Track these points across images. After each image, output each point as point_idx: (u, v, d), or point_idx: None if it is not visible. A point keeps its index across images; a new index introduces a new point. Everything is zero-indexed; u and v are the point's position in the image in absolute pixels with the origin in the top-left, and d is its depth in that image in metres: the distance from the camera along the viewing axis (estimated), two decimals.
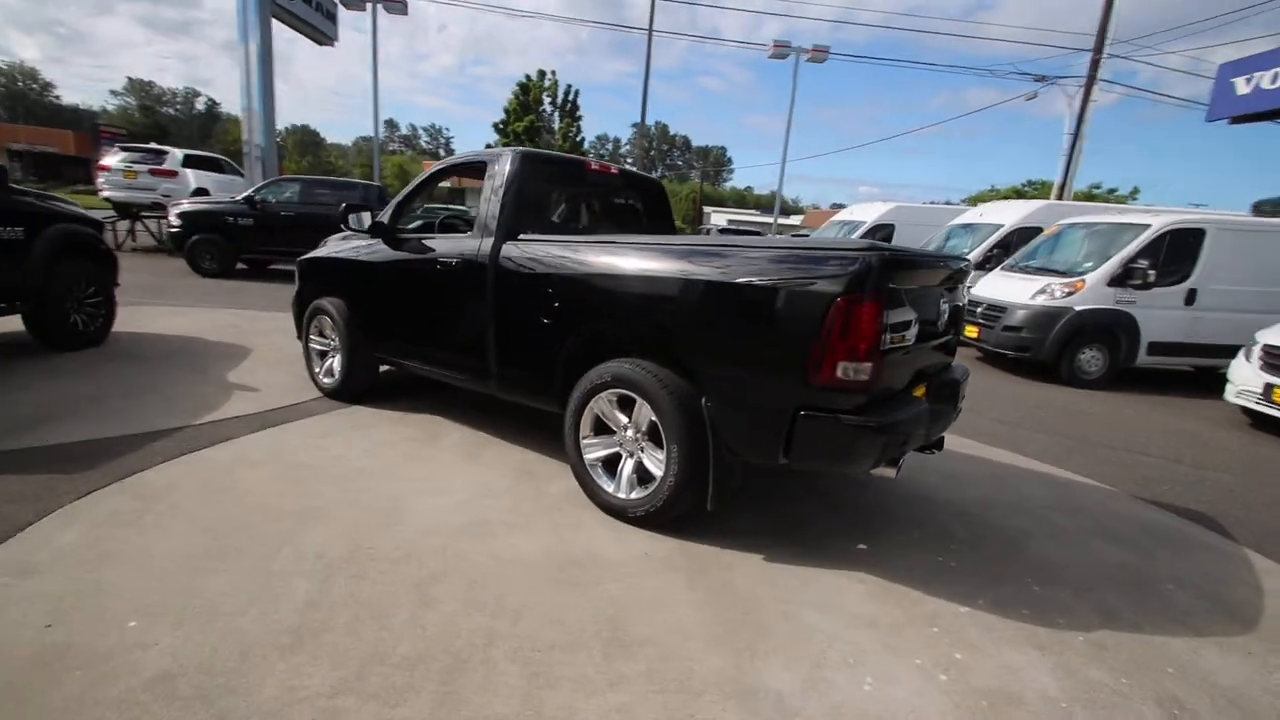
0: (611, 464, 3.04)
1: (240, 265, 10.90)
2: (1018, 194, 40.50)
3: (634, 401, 2.85)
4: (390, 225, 4.07)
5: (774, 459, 2.52)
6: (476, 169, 3.78)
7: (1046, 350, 7.34)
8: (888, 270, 2.29)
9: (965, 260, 3.13)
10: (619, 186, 4.23)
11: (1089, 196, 34.53)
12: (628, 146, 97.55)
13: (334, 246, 4.65)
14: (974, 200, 39.47)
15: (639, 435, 2.90)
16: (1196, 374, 8.18)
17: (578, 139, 32.86)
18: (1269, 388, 5.55)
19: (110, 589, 2.13)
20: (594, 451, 3.05)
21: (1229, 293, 7.20)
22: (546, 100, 32.35)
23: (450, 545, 2.61)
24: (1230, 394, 6.04)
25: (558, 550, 2.64)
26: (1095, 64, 18.96)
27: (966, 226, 10.85)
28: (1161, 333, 7.29)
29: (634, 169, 4.46)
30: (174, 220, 10.26)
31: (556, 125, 32.58)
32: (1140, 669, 2.17)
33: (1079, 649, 2.26)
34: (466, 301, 3.53)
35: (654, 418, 2.76)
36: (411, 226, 4.36)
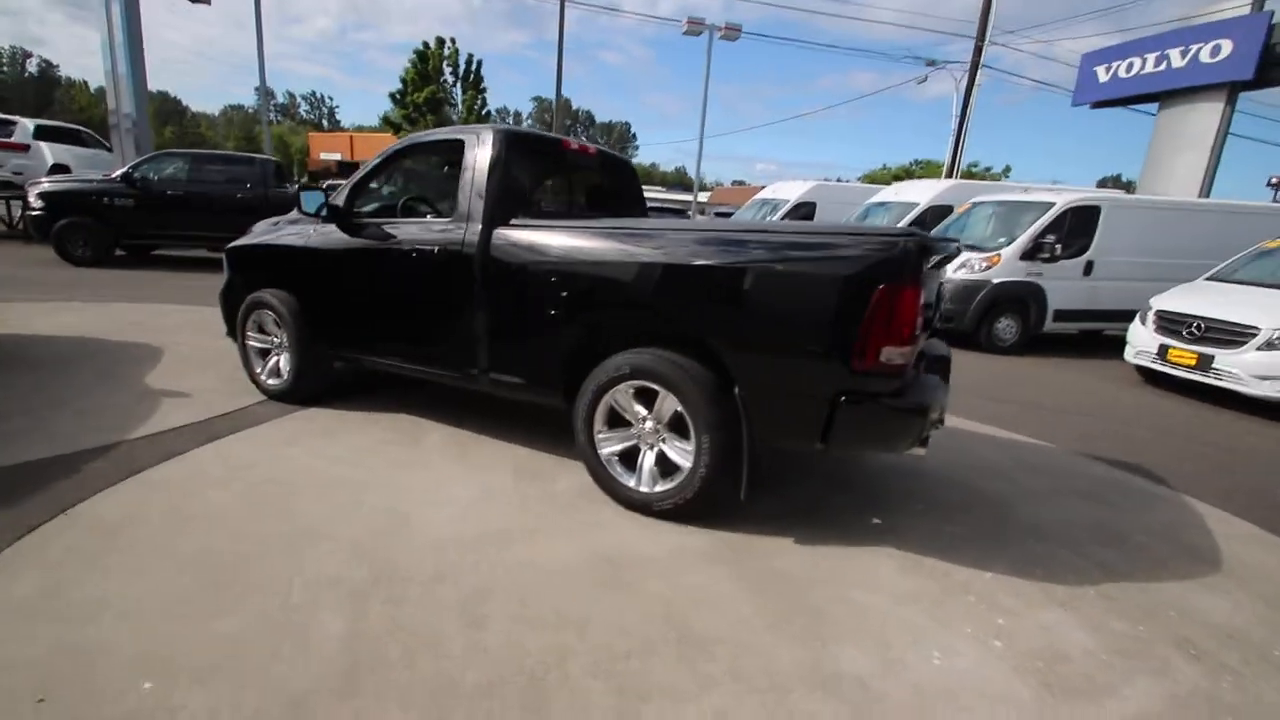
0: (628, 457, 2.95)
1: (119, 252, 9.63)
2: (907, 173, 43.20)
3: (655, 393, 2.77)
4: (346, 209, 3.69)
5: (810, 445, 2.53)
6: (448, 148, 3.50)
7: (968, 320, 7.90)
8: (925, 255, 2.33)
9: (959, 242, 3.26)
10: (594, 166, 4.06)
11: (968, 174, 37.41)
12: (529, 121, 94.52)
13: (269, 233, 4.17)
14: (868, 178, 41.66)
15: (659, 427, 2.82)
16: (1083, 337, 9.11)
17: (483, 111, 31.51)
18: (1163, 348, 6.27)
19: (100, 646, 1.81)
20: (610, 446, 2.94)
21: (1120, 264, 8.03)
22: (447, 70, 30.73)
23: (478, 557, 2.43)
24: (1129, 355, 6.77)
25: (591, 551, 2.53)
26: (978, 50, 20.38)
27: (883, 204, 11.42)
28: (1065, 301, 8.04)
29: (607, 149, 4.29)
30: (35, 202, 8.87)
31: (459, 97, 31.08)
32: (1149, 616, 2.38)
33: (1093, 602, 2.45)
34: (449, 293, 3.28)
35: (680, 409, 2.68)
36: (366, 210, 3.97)
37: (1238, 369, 5.62)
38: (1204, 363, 5.86)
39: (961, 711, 1.82)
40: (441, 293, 3.32)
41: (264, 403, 4.10)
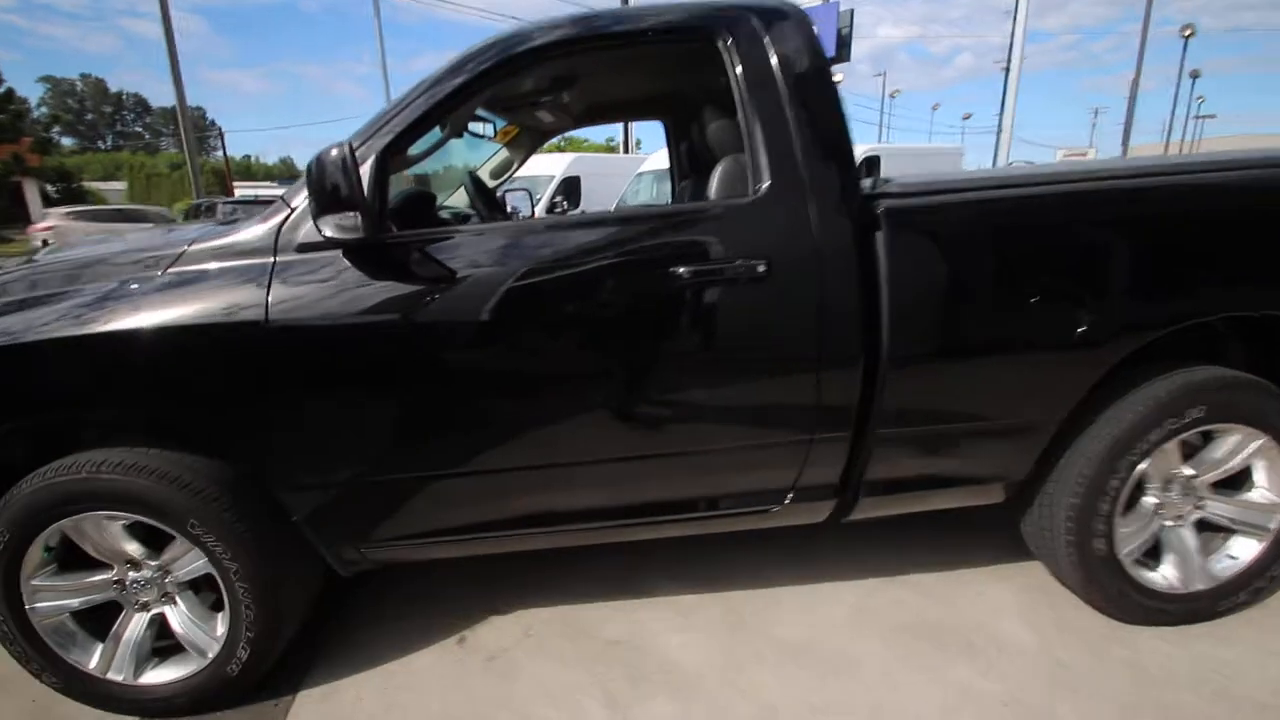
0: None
1: None
2: None
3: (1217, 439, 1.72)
4: (380, 220, 1.49)
5: None
6: (646, 55, 1.68)
7: None
8: None
9: None
10: None
11: None
12: (43, 110, 68.57)
13: (69, 308, 1.52)
14: None
15: (1197, 488, 1.78)
16: None
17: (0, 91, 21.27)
18: None
19: None
20: (1133, 541, 1.76)
21: None
22: None
23: None
24: None
25: None
26: None
27: (529, 177, 11.15)
28: None
29: None
30: None
31: None
32: None
33: None
34: (780, 334, 1.56)
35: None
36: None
37: None
38: None
39: None
40: (758, 347, 1.57)
41: None
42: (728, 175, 1.63)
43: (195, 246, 1.56)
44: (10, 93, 21.89)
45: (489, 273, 1.51)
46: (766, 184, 1.51)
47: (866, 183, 1.61)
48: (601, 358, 1.59)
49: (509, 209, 3.01)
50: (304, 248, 1.51)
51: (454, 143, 2.60)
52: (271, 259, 1.51)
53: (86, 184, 31.58)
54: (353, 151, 1.31)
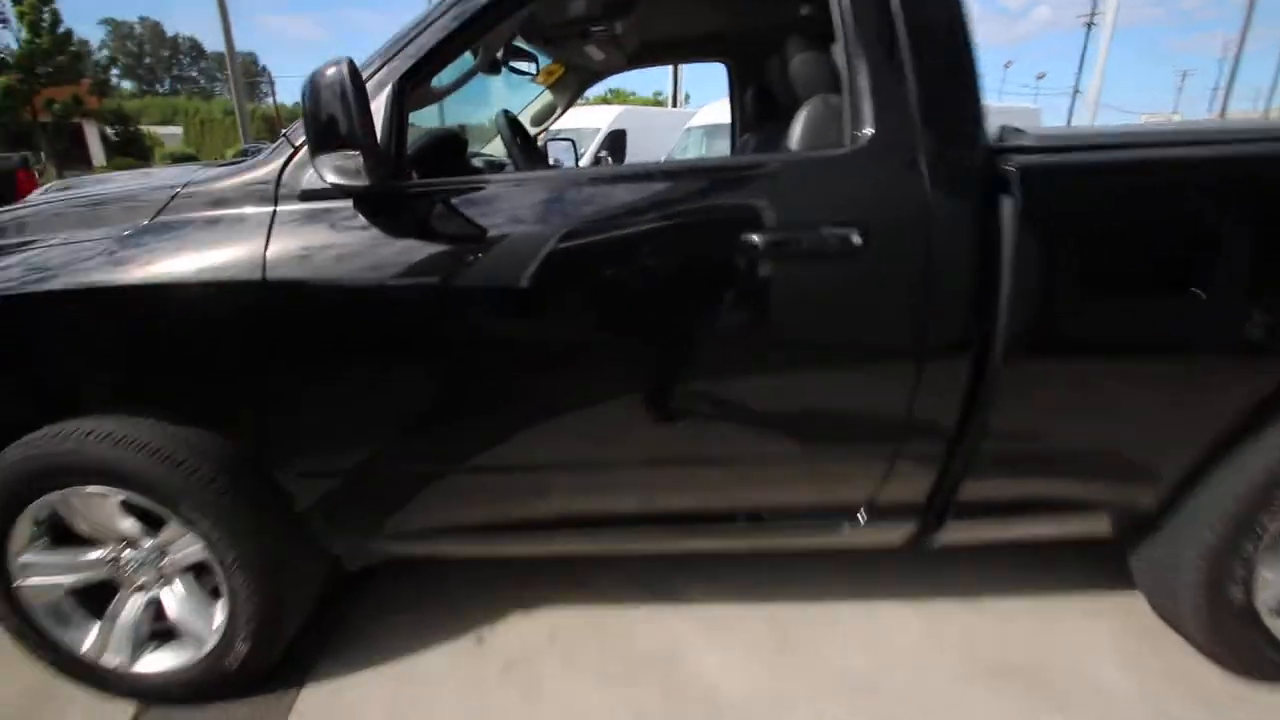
0: None
1: None
2: None
3: None
4: (398, 163, 1.26)
5: None
6: None
7: None
8: None
9: None
10: None
11: None
12: (104, 52, 69.94)
13: (66, 258, 1.34)
14: None
15: None
16: None
17: (59, 31, 21.61)
18: None
19: None
20: (1276, 588, 1.46)
21: None
22: None
23: None
24: None
25: None
26: None
27: (573, 130, 10.66)
28: None
29: None
30: None
31: (9, 9, 20.75)
32: None
33: None
34: (871, 323, 1.29)
35: None
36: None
37: None
38: None
39: None
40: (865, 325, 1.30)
41: (150, 714, 1.50)
42: (815, 120, 1.33)
43: (188, 190, 1.36)
44: (69, 33, 22.21)
45: (527, 232, 1.27)
46: (869, 131, 1.20)
47: (992, 132, 1.29)
48: (659, 341, 1.34)
49: (551, 161, 2.75)
50: (308, 195, 1.29)
51: (491, 87, 2.33)
52: (272, 208, 1.30)
53: (144, 128, 32.19)
54: (354, 72, 1.06)
